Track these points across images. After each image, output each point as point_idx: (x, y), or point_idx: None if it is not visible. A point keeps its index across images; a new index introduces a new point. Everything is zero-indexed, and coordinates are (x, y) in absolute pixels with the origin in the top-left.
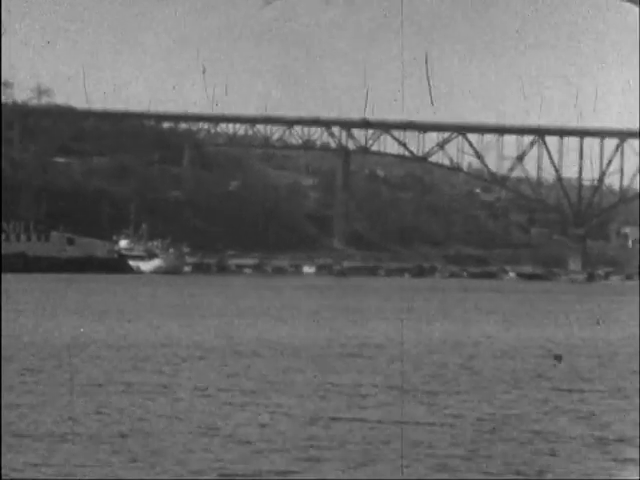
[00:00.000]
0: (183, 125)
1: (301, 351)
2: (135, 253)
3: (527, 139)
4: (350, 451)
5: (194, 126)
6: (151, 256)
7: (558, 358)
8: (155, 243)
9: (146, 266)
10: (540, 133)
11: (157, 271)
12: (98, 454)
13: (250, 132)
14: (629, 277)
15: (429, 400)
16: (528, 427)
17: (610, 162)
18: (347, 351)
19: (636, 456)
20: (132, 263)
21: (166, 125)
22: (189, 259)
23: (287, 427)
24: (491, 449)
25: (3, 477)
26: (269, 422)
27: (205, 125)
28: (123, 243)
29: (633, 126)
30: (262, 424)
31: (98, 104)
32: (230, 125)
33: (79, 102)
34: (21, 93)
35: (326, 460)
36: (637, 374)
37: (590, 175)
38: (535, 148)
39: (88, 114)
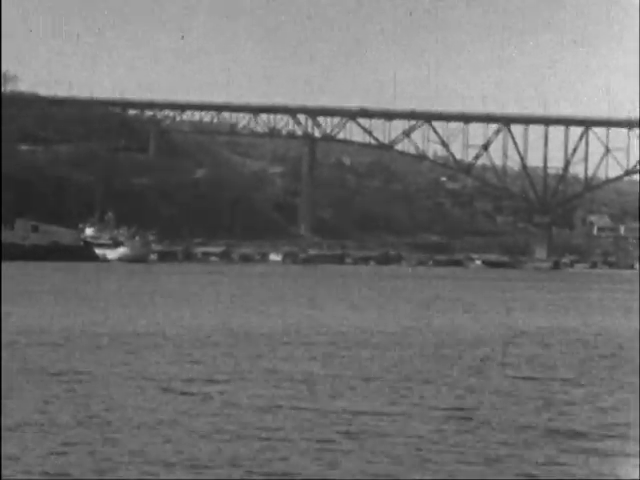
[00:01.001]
0: (148, 112)
1: (263, 339)
2: (101, 241)
3: (492, 127)
4: (308, 441)
5: (160, 113)
6: (117, 244)
7: None
8: (121, 231)
9: (112, 254)
10: (505, 121)
11: (123, 259)
12: (50, 444)
13: (216, 120)
14: (594, 265)
15: (390, 389)
16: (493, 415)
17: (575, 150)
18: (309, 339)
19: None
20: (98, 251)
21: (131, 112)
22: (155, 247)
23: (241, 416)
24: (453, 440)
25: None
26: (223, 412)
27: (171, 112)
28: (89, 231)
29: (597, 114)
30: (216, 414)
31: (63, 91)
32: (196, 112)
33: (44, 89)
34: None
35: (281, 450)
36: (595, 362)
37: (555, 163)
38: (500, 136)
39: (53, 101)
